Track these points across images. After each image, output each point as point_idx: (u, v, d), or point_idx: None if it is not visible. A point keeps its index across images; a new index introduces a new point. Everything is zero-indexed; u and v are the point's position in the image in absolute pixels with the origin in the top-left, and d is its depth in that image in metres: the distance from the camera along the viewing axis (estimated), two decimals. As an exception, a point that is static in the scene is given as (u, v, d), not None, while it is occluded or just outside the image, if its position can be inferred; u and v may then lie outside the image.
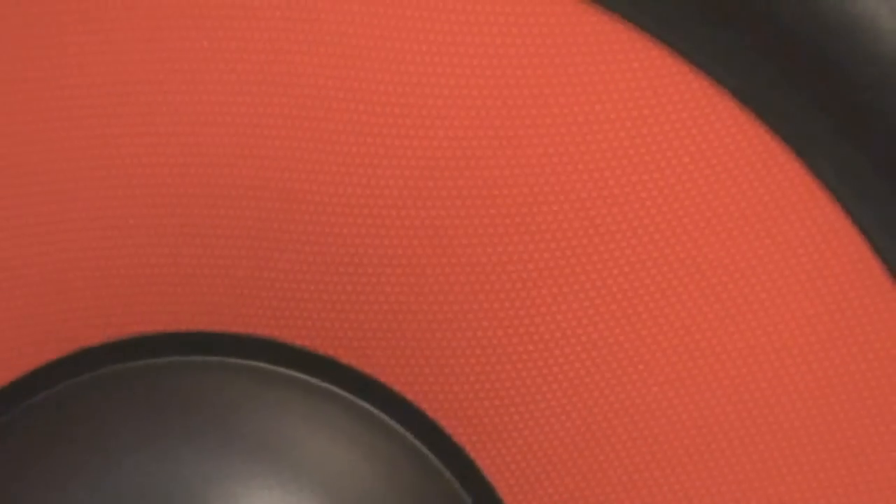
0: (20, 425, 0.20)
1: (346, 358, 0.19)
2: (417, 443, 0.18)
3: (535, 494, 0.19)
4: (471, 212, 0.19)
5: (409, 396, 0.19)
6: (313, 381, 0.19)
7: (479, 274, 0.19)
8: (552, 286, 0.19)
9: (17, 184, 0.19)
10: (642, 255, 0.19)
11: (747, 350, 0.19)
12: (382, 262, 0.19)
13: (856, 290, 0.19)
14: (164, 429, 0.19)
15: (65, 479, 0.19)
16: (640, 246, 0.19)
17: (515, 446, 0.19)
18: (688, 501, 0.19)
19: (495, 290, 0.19)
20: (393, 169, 0.19)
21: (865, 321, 0.19)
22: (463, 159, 0.19)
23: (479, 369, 0.19)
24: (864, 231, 0.19)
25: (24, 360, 0.19)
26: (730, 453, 0.19)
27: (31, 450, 0.19)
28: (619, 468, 0.19)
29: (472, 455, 0.19)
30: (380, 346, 0.19)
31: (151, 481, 0.18)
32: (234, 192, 0.19)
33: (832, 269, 0.19)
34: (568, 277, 0.19)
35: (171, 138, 0.19)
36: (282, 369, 0.19)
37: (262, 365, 0.19)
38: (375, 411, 0.19)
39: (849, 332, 0.19)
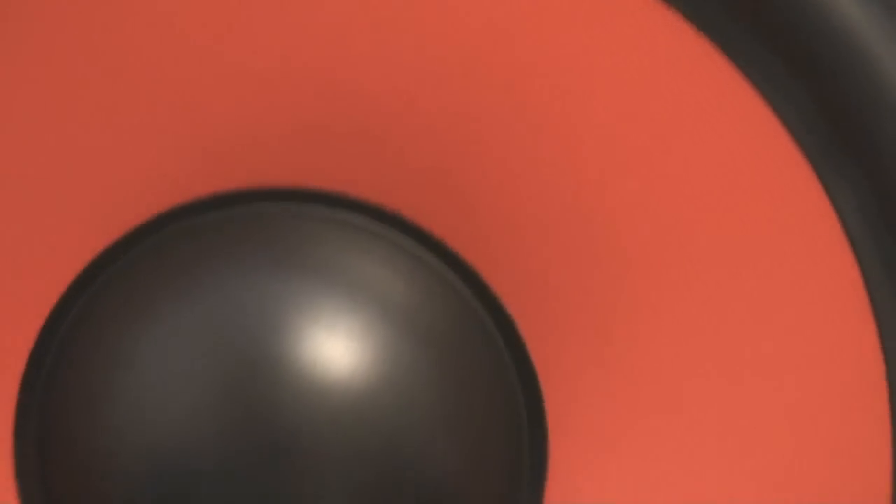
0: (137, 265, 0.25)
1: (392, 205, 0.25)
2: (440, 264, 0.24)
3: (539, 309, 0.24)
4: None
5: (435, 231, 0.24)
6: (362, 221, 0.24)
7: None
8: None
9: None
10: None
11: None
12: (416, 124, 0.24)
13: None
14: (250, 261, 0.24)
15: (172, 305, 0.24)
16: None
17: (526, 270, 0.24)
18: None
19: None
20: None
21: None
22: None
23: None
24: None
25: (134, 215, 0.25)
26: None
27: (143, 285, 0.25)
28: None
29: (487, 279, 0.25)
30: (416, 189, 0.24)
31: (242, 301, 0.23)
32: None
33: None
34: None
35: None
36: (339, 214, 0.25)
37: (324, 210, 0.25)
38: (408, 242, 0.24)
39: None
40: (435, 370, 0.24)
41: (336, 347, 0.23)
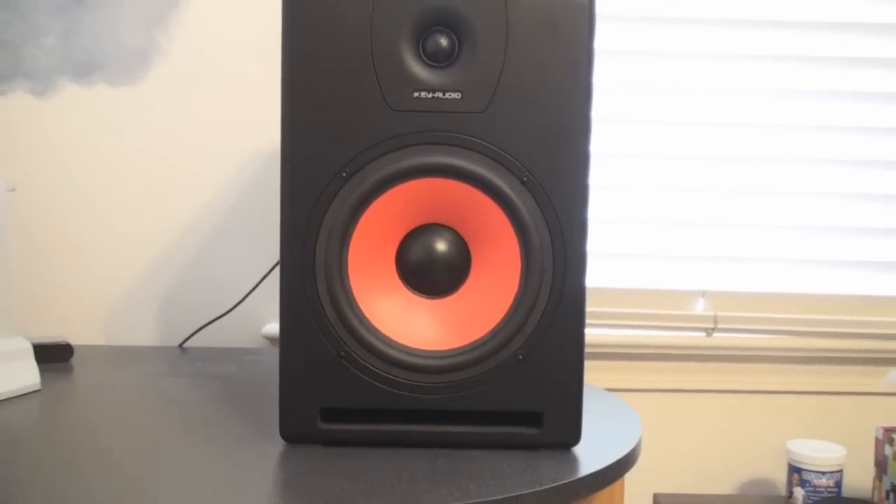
0: (411, 236, 1.54)
1: (447, 223, 1.52)
2: (454, 232, 1.51)
3: None
4: None
5: (455, 227, 1.51)
6: (440, 226, 1.52)
7: None
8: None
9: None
10: None
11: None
12: None
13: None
14: (431, 232, 1.54)
15: (408, 241, 1.53)
16: None
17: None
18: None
19: None
20: None
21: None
22: None
23: None
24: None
25: (408, 225, 1.52)
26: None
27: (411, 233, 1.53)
28: None
29: None
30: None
31: (429, 235, 1.55)
32: None
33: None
34: None
35: None
36: (436, 225, 1.52)
37: (435, 225, 1.52)
38: (449, 230, 1.51)
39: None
40: (456, 250, 1.49)
41: (442, 244, 1.48)
